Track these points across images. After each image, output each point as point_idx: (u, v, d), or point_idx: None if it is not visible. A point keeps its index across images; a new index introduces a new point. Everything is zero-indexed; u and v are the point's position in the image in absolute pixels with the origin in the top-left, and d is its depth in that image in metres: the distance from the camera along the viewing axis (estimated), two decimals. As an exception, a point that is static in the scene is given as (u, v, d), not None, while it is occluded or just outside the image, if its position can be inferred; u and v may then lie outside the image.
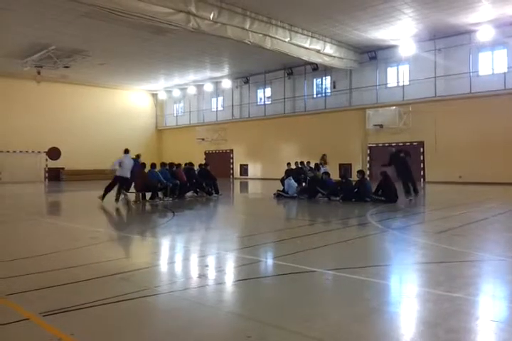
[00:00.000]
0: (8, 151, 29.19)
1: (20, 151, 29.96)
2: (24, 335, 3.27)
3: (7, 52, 24.62)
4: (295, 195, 14.86)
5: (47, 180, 31.19)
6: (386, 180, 12.97)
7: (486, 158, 21.65)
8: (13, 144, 29.64)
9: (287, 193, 15.11)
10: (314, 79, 29.34)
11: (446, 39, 22.72)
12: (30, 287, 4.43)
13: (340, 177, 16.63)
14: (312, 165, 18.61)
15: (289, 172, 17.47)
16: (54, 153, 30.50)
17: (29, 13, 18.49)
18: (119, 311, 3.79)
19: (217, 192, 16.22)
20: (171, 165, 15.58)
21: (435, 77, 23.37)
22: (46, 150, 30.37)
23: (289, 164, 18.79)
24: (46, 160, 30.63)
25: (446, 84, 23.02)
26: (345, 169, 24.86)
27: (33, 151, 30.52)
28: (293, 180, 15.45)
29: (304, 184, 16.73)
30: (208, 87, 34.65)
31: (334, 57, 23.80)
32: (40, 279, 4.79)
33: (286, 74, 30.02)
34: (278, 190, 15.57)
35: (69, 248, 6.62)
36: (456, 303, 3.88)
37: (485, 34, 21.15)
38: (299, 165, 18.73)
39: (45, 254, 6.15)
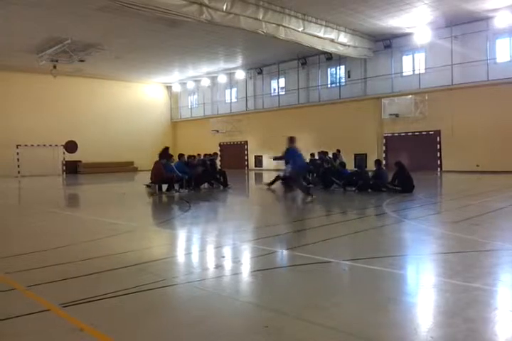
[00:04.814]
0: (26, 145, 29.56)
1: (38, 145, 30.30)
2: (45, 326, 3.34)
3: (23, 47, 24.83)
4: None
5: (64, 173, 31.54)
6: (402, 170, 12.85)
7: (503, 146, 21.32)
8: (30, 138, 29.99)
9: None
10: (328, 69, 29.07)
11: (463, 26, 22.28)
12: (51, 278, 4.52)
13: (355, 167, 16.58)
14: (329, 155, 18.50)
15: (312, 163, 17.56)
16: (71, 147, 30.80)
17: (44, 8, 18.57)
18: (138, 301, 3.84)
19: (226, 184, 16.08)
20: (181, 155, 15.76)
21: (452, 65, 22.99)
22: (63, 143, 30.69)
23: (312, 154, 18.66)
24: (63, 153, 30.96)
25: (463, 71, 22.64)
26: (360, 159, 24.73)
27: (50, 145, 30.83)
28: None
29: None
30: (222, 79, 34.59)
31: (348, 46, 23.53)
32: (60, 271, 4.87)
33: (300, 64, 29.78)
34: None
35: (87, 240, 6.72)
36: (473, 293, 3.86)
37: (503, 20, 20.63)
38: (321, 156, 18.37)
39: (64, 246, 6.24)
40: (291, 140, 12.27)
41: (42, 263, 5.17)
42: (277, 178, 15.49)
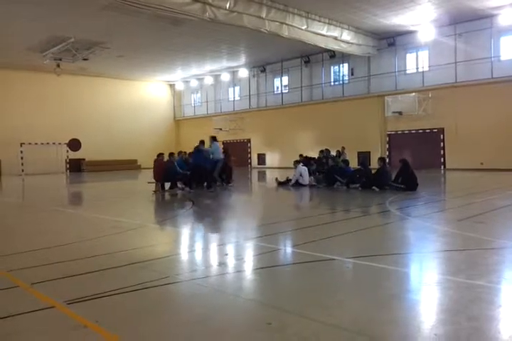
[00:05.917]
0: (29, 143, 29.64)
1: (42, 143, 30.39)
2: (50, 323, 3.35)
3: (26, 45, 24.85)
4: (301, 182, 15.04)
5: (68, 171, 31.62)
6: (406, 167, 12.81)
7: (508, 144, 21.24)
8: (34, 136, 30.05)
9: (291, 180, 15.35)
10: (332, 67, 29.02)
11: (467, 23, 22.19)
12: (55, 276, 4.53)
13: (358, 164, 16.58)
14: (332, 152, 18.50)
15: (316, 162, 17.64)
16: (74, 145, 30.89)
17: (47, 6, 18.59)
18: (142, 299, 3.85)
19: (221, 181, 16.03)
20: (180, 153, 15.77)
21: (455, 63, 22.91)
22: (67, 141, 30.77)
23: (321, 151, 18.61)
24: (67, 151, 31.03)
25: (467, 69, 22.56)
26: (363, 157, 24.65)
27: (53, 143, 30.92)
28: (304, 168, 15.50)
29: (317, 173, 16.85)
30: (225, 77, 34.62)
31: (352, 43, 23.47)
32: (64, 268, 4.88)
33: (303, 62, 29.74)
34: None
35: (91, 237, 6.73)
36: (477, 291, 3.85)
37: (507, 18, 20.58)
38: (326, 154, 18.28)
39: (68, 244, 6.25)
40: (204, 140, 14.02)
41: (45, 261, 5.19)
42: (287, 180, 15.67)
